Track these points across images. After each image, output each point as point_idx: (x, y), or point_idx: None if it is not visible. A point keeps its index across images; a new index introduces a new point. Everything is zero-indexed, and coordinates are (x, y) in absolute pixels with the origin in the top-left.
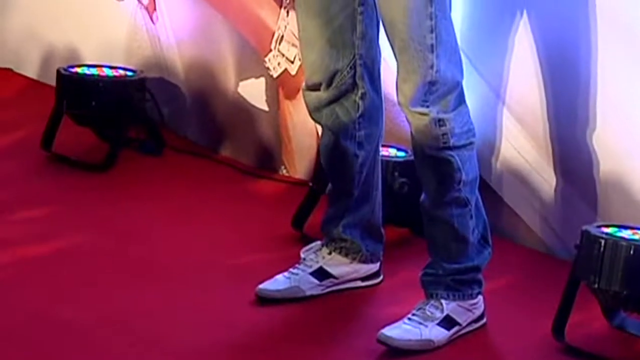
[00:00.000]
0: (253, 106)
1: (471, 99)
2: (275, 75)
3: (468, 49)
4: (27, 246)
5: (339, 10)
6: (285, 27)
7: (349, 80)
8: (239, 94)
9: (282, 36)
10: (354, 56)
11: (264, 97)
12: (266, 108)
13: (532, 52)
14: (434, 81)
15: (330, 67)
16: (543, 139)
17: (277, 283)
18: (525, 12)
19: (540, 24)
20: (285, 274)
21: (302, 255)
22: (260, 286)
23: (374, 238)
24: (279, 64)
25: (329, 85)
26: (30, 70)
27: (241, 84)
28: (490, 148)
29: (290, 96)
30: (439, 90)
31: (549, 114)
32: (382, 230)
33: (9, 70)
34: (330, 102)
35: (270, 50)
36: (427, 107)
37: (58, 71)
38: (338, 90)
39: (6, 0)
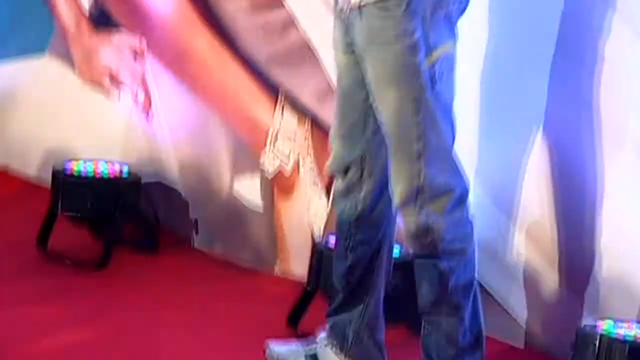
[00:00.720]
0: (248, 205)
1: (475, 207)
2: (269, 175)
3: (474, 161)
4: (21, 345)
5: (355, 105)
6: (280, 123)
7: (357, 175)
8: (233, 192)
9: (277, 135)
10: (363, 153)
11: (259, 196)
12: (261, 207)
13: (537, 162)
14: (422, 186)
15: (344, 160)
16: (547, 245)
17: (281, 347)
18: (531, 126)
19: (547, 137)
20: (293, 345)
21: (318, 335)
22: (271, 345)
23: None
24: (273, 163)
25: (344, 177)
26: (27, 168)
27: (236, 182)
28: (492, 254)
29: (285, 195)
30: (429, 195)
31: (555, 222)
32: (378, 336)
33: (5, 168)
34: (344, 194)
35: (265, 149)
36: (416, 211)
37: (53, 171)
38: (350, 182)
39: (2, 100)
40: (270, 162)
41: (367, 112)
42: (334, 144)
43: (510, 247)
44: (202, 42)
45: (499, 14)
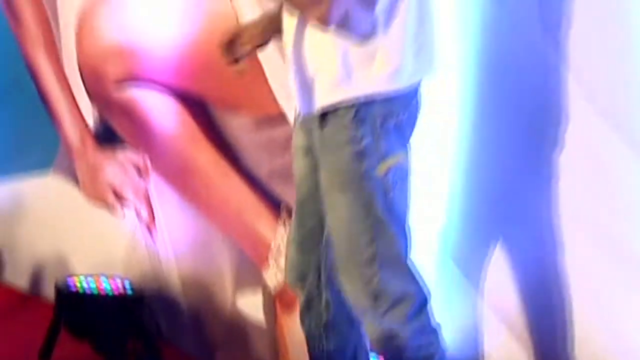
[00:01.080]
0: (251, 320)
1: (456, 301)
2: (272, 289)
3: (455, 256)
4: None
5: (313, 211)
6: (282, 238)
7: (314, 284)
8: (236, 307)
9: (280, 250)
10: (320, 260)
11: (262, 311)
12: (264, 322)
13: (516, 259)
14: (376, 294)
15: (301, 269)
16: (525, 339)
17: None
18: (505, 220)
19: (524, 234)
20: None
21: None
22: None
23: None
24: (276, 278)
25: (302, 288)
26: (29, 282)
27: (239, 297)
28: (474, 349)
29: (288, 310)
30: (387, 302)
31: (529, 316)
32: None
33: (9, 283)
34: (306, 309)
35: (268, 264)
36: (377, 318)
37: (56, 287)
38: (309, 294)
39: (7, 215)
40: (272, 277)
41: (324, 219)
42: (290, 252)
43: (490, 346)
44: (205, 158)
45: (468, 109)
